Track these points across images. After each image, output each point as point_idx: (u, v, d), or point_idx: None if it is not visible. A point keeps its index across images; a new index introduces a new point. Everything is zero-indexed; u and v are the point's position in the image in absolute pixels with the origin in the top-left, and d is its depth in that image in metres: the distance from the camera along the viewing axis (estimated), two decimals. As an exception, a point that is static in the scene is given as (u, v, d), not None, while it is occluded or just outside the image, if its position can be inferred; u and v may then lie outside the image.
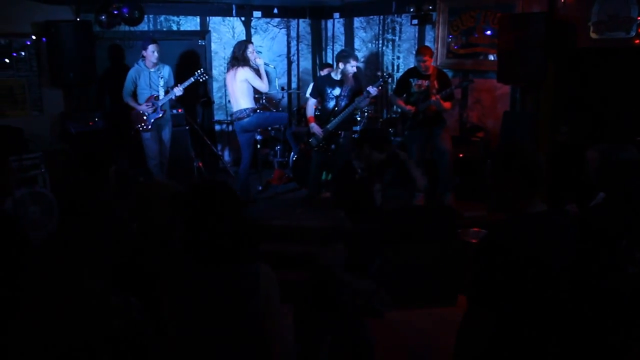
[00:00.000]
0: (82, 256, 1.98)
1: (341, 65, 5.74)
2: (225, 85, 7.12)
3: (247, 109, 6.01)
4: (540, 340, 2.03)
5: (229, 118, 7.96)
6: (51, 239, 5.17)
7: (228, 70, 6.09)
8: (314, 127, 5.87)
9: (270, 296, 2.01)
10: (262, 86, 6.04)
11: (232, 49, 7.15)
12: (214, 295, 1.97)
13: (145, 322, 2.03)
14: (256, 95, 6.46)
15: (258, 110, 6.21)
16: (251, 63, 5.95)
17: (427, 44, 7.07)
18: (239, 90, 5.99)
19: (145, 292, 2.12)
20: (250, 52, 5.94)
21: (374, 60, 7.94)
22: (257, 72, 5.99)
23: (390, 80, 6.38)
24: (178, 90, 6.08)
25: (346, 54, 5.87)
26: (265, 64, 6.22)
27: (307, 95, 7.64)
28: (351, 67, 5.73)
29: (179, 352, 2.02)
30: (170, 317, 2.03)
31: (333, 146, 5.92)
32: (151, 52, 5.98)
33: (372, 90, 5.64)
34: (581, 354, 2.40)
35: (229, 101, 6.50)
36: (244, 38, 7.90)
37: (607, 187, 2.94)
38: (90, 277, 1.96)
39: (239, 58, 5.91)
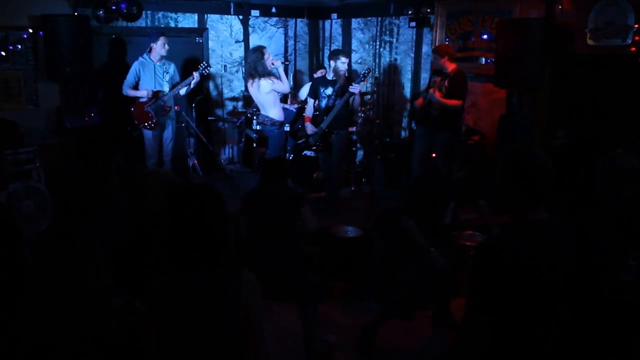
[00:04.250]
0: (88, 252, 1.94)
1: (332, 63, 5.91)
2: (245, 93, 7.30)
3: (274, 119, 6.09)
4: (537, 345, 2.04)
5: (226, 116, 7.95)
6: (45, 233, 5.14)
7: (248, 79, 6.09)
8: (308, 127, 6.05)
9: (252, 304, 1.97)
10: (285, 88, 6.16)
11: (229, 47, 7.18)
12: (193, 301, 1.94)
13: (143, 325, 2.00)
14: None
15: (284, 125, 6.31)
16: (272, 70, 6.00)
17: (424, 46, 7.10)
18: (266, 102, 6.08)
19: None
20: (267, 58, 5.95)
21: (371, 62, 7.96)
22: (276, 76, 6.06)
23: (369, 75, 6.16)
24: (194, 79, 6.19)
25: (335, 51, 6.07)
26: (282, 62, 6.38)
27: (302, 96, 7.67)
28: (342, 63, 5.86)
29: (159, 358, 1.99)
30: (150, 321, 1.99)
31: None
32: (161, 45, 6.09)
33: (353, 88, 5.69)
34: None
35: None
36: (242, 37, 7.89)
37: (605, 194, 2.96)
38: (95, 275, 1.94)
39: (258, 69, 5.91)
